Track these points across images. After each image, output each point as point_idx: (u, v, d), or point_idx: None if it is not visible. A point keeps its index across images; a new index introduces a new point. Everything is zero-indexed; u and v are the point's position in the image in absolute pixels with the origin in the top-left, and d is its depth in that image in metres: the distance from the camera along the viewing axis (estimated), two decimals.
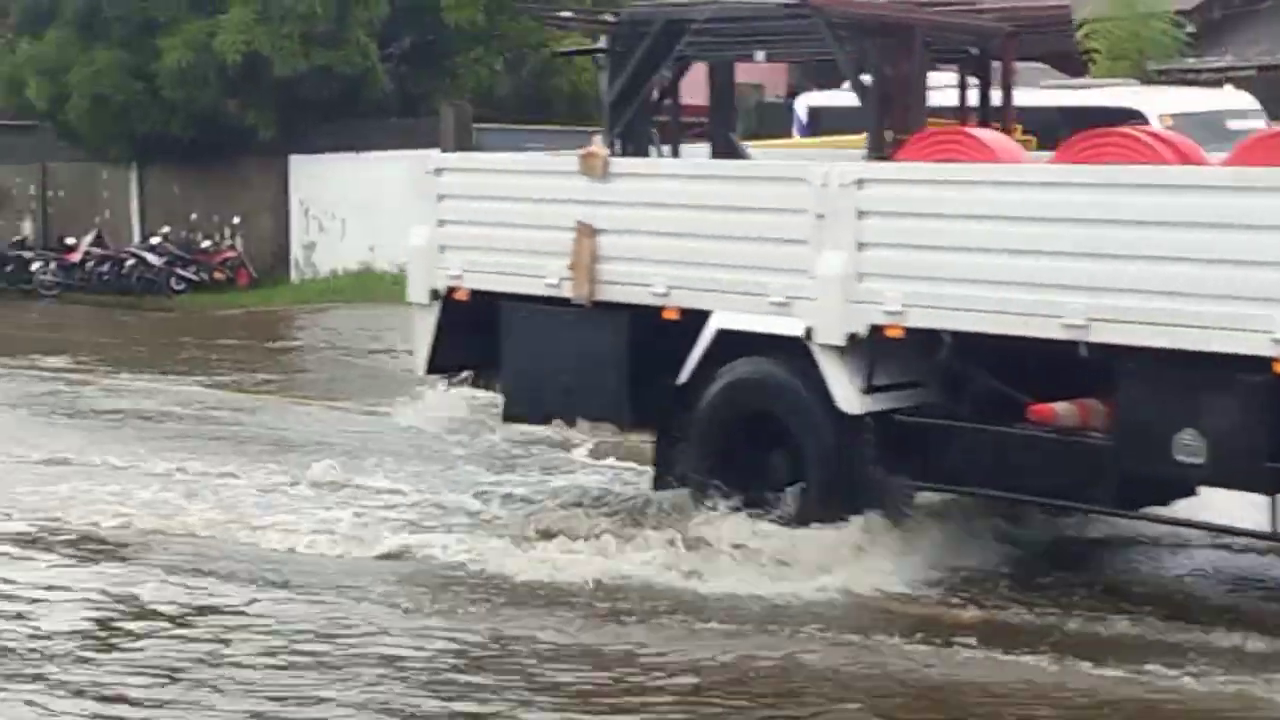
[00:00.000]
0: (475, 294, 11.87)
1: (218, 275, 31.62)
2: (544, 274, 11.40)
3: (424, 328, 12.23)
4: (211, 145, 31.54)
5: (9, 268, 33.85)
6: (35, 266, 33.40)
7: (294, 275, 31.39)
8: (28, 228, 35.87)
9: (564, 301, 11.32)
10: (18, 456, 14.91)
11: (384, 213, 29.55)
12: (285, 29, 29.23)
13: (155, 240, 32.41)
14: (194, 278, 31.51)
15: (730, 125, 13.07)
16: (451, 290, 11.99)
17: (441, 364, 12.55)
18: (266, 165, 31.63)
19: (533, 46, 30.23)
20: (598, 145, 11.44)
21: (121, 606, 10.11)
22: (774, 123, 25.97)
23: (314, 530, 11.70)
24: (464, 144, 28.13)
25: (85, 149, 33.73)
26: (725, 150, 12.69)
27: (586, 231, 11.11)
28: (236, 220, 32.20)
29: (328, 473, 13.53)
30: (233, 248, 32.11)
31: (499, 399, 12.45)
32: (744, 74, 29.58)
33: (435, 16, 29.76)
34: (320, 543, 11.40)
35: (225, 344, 23.99)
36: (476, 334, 11.86)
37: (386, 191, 29.25)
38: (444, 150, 27.29)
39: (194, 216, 32.87)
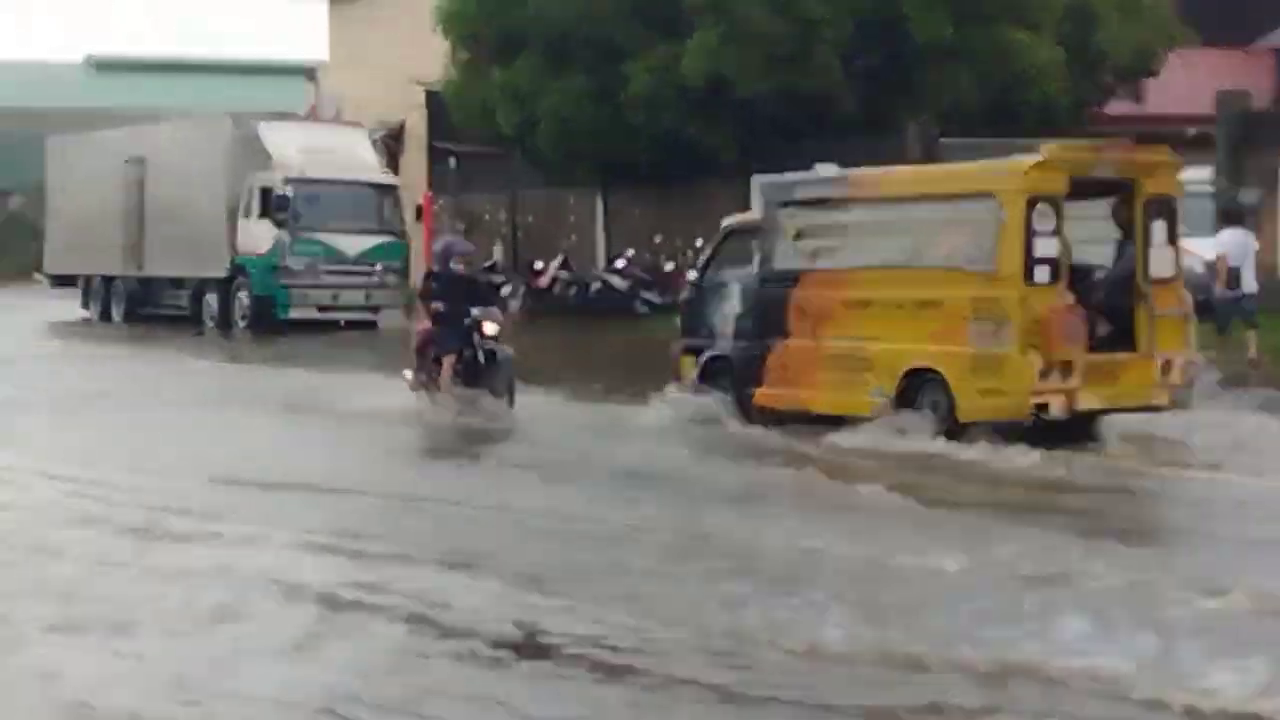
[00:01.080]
0: None
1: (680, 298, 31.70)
2: None
3: None
4: (674, 168, 31.69)
5: None
6: (505, 291, 34.12)
7: None
8: (498, 252, 36.77)
9: None
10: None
11: None
12: (749, 51, 29.14)
13: (620, 263, 32.76)
14: (657, 300, 31.69)
15: None
16: None
17: None
18: (728, 187, 31.53)
19: (1001, 58, 29.38)
20: None
21: None
22: (1260, 134, 24.65)
23: None
24: (930, 162, 27.51)
25: (553, 175, 34.34)
26: None
27: None
28: (699, 242, 32.19)
29: None
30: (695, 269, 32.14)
31: None
32: (1226, 80, 28.19)
33: (902, 32, 29.24)
34: None
35: None
36: None
37: None
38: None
39: (657, 239, 33.13)
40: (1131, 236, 14.99)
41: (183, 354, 27.06)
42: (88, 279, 36.84)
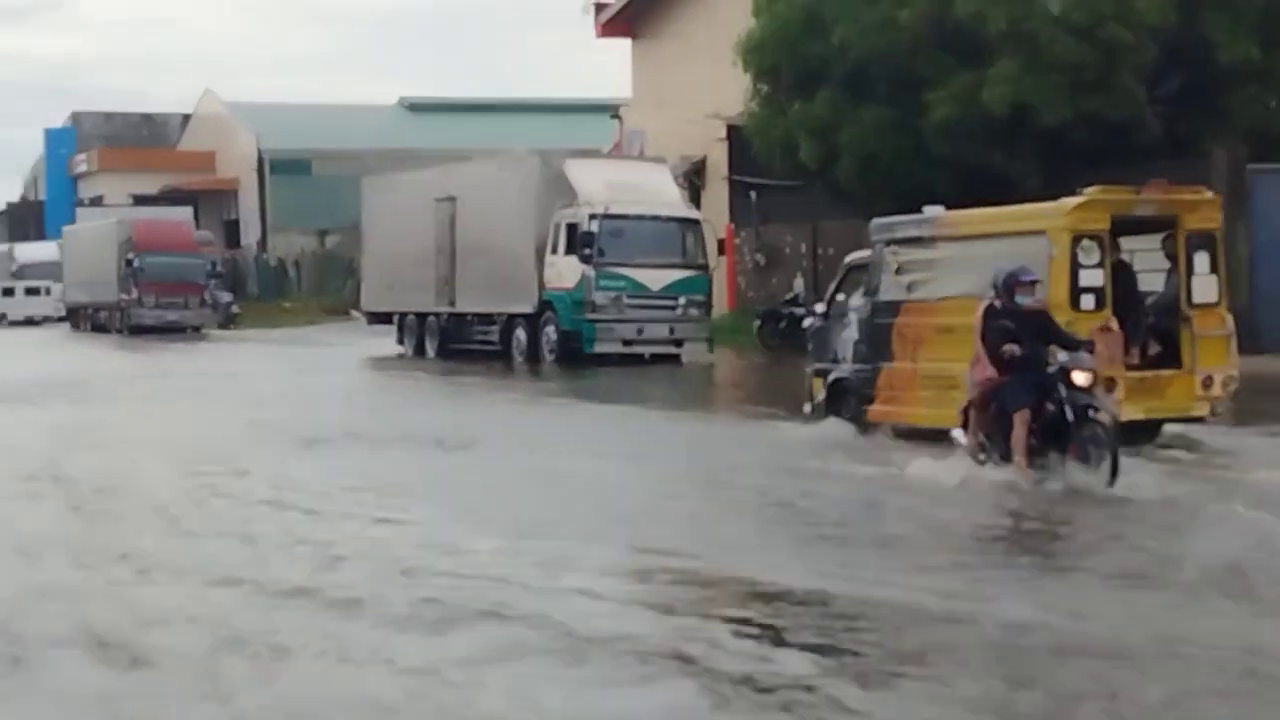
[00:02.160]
0: None
1: None
2: None
3: None
4: (975, 198, 31.37)
5: (782, 324, 34.92)
6: (806, 323, 34.20)
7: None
8: (799, 285, 36.93)
9: None
10: None
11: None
12: (1053, 78, 28.91)
13: None
14: None
15: None
16: None
17: None
18: None
19: None
20: None
21: None
22: None
23: None
24: (1236, 187, 26.98)
25: (854, 206, 34.38)
26: None
27: None
28: None
29: None
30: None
31: None
32: None
33: (1206, 56, 28.70)
34: None
35: None
36: None
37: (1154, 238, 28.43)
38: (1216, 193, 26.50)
39: None
40: (1177, 267, 16.78)
41: (519, 392, 27.23)
42: (402, 315, 37.99)
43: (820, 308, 20.09)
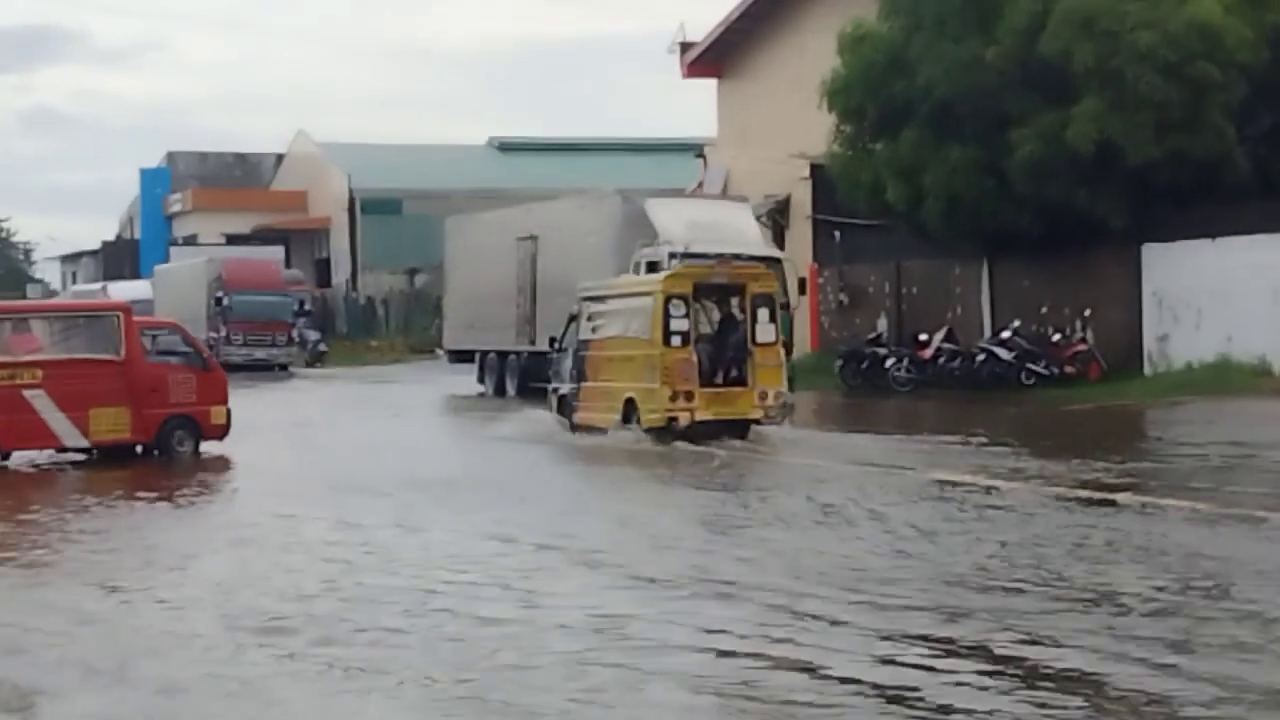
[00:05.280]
0: None
1: (1068, 369, 31.09)
2: None
3: None
4: (1061, 237, 31.10)
5: (865, 364, 34.57)
6: (889, 363, 33.94)
7: (1146, 368, 30.38)
8: (882, 324, 36.59)
9: None
10: None
11: (1243, 300, 28.21)
12: (1139, 116, 28.52)
13: (1005, 335, 32.27)
14: (1043, 371, 31.13)
15: None
16: None
17: None
18: (1117, 255, 30.88)
19: None
20: None
21: None
22: None
23: None
24: None
25: (938, 246, 34.04)
26: None
27: None
28: (1087, 313, 31.60)
29: None
30: (1083, 340, 31.50)
31: None
32: None
33: None
34: None
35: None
36: None
37: (1246, 278, 27.94)
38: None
39: (1044, 310, 32.54)
40: (747, 318, 23.57)
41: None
42: (483, 354, 37.91)
43: (555, 344, 26.90)
